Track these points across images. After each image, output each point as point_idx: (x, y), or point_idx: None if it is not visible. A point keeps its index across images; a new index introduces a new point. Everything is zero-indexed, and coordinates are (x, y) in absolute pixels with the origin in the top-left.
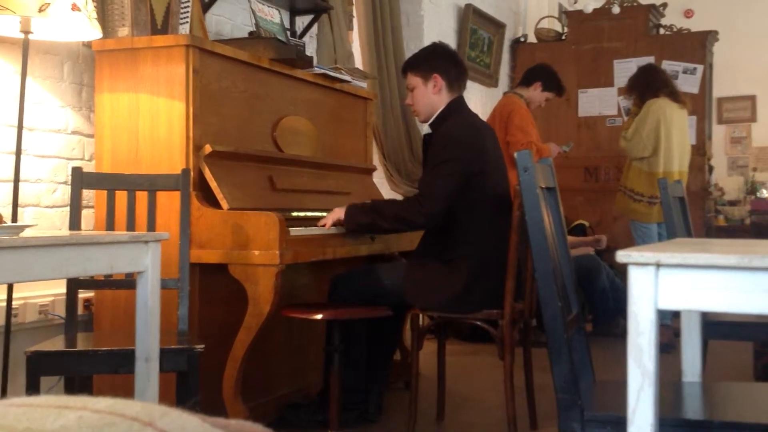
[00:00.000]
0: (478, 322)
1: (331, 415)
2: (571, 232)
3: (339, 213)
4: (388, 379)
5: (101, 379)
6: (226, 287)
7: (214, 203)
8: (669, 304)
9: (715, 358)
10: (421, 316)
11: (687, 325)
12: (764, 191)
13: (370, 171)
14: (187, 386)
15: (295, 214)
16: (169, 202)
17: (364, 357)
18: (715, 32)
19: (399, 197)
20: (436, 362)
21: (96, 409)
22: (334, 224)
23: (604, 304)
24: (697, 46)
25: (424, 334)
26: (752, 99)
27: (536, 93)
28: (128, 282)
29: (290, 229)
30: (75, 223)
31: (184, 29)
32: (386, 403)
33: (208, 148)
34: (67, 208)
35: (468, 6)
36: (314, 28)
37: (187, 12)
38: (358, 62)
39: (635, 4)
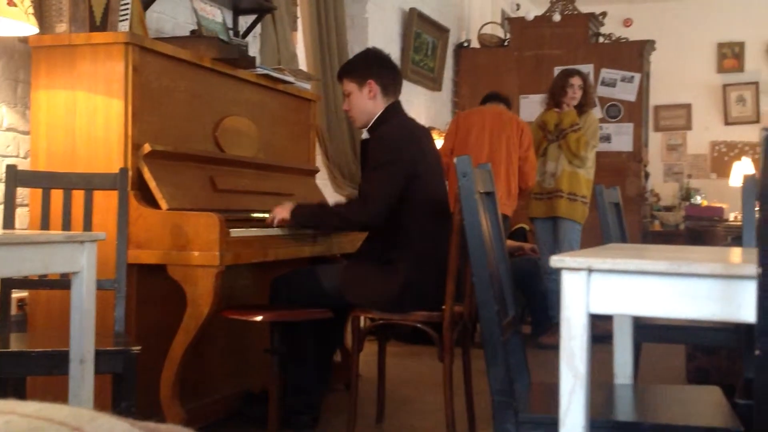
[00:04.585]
0: (418, 324)
1: (270, 416)
2: (512, 237)
3: (285, 212)
4: (329, 381)
5: (35, 381)
6: (164, 288)
7: (152, 203)
8: (600, 309)
9: (648, 361)
10: (362, 317)
11: (619, 328)
12: (698, 197)
13: (313, 173)
14: (123, 388)
15: (236, 215)
16: (106, 202)
17: (313, 359)
18: (653, 42)
19: (342, 199)
20: (376, 364)
21: (24, 413)
22: (279, 225)
23: (544, 307)
24: (634, 55)
25: (365, 336)
26: (688, 107)
27: None
28: (63, 282)
29: (231, 230)
30: (9, 221)
31: (124, 26)
32: (326, 404)
33: (147, 148)
34: (1, 207)
35: (412, 10)
36: (258, 28)
37: (127, 9)
38: (302, 63)
39: (576, 12)
